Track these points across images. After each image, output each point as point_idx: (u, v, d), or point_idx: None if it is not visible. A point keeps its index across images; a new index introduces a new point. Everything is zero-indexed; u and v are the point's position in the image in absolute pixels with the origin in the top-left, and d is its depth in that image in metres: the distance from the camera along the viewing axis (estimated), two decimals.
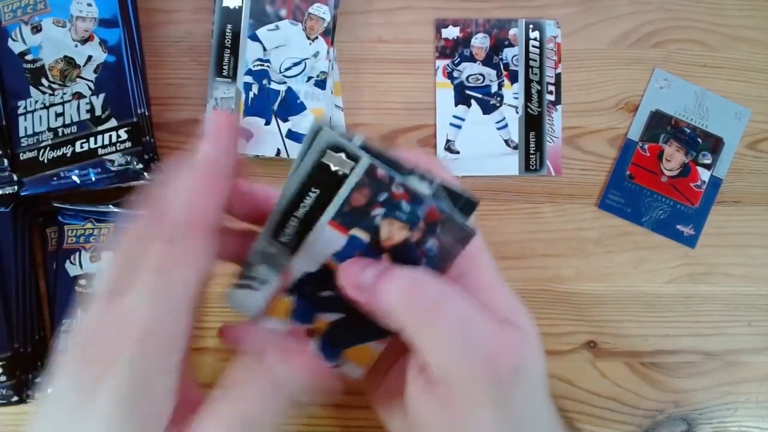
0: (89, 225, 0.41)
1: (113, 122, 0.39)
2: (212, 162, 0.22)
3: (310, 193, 0.21)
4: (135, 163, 0.39)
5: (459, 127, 0.44)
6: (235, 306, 0.24)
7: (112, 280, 0.21)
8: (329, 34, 0.42)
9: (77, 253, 0.41)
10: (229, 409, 0.21)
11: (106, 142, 0.39)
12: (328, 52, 0.41)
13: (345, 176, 0.21)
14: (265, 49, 0.41)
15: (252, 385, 0.22)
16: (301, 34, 0.41)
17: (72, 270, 0.41)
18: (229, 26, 0.41)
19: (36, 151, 0.39)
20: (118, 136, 0.39)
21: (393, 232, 0.22)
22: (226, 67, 0.41)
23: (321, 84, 0.41)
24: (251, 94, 0.41)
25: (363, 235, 0.22)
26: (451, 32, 0.44)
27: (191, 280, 0.21)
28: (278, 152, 0.42)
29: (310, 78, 0.41)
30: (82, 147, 0.39)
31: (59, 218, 0.41)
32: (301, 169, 0.21)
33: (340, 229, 0.22)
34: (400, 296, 0.22)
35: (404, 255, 0.23)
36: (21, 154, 0.39)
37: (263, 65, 0.41)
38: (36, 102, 0.39)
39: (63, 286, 0.40)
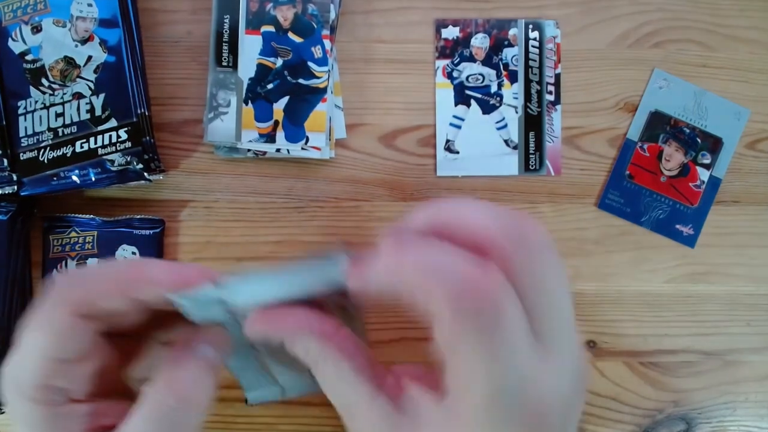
0: (73, 233, 0.41)
1: (113, 122, 0.39)
2: (149, 277, 0.23)
3: None
4: (135, 163, 0.39)
5: (459, 127, 0.44)
6: None
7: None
8: (332, 32, 0.42)
9: (63, 262, 0.41)
10: (154, 396, 0.22)
11: (106, 142, 0.39)
12: (331, 50, 0.41)
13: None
14: None
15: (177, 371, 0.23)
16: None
17: None
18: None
19: (36, 151, 0.39)
20: (118, 136, 0.39)
21: None
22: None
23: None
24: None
25: None
26: (451, 32, 0.44)
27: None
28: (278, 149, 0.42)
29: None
30: (82, 147, 0.39)
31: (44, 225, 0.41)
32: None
33: None
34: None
35: None
36: (21, 154, 0.39)
37: None
38: (36, 102, 0.39)
39: None
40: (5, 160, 0.38)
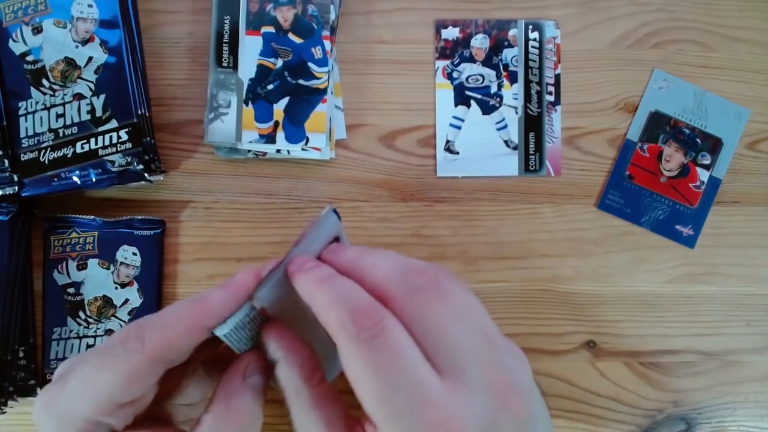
0: (74, 234, 0.41)
1: (114, 123, 0.39)
2: (214, 306, 0.24)
3: None
4: (135, 163, 0.39)
5: (459, 127, 0.44)
6: None
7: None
8: (332, 33, 0.42)
9: (64, 263, 0.41)
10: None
11: (107, 142, 0.39)
12: (331, 50, 0.42)
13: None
14: None
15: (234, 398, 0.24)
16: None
17: (60, 279, 0.41)
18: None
19: (37, 152, 0.39)
20: (119, 137, 0.39)
21: None
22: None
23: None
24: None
25: None
26: (451, 33, 0.44)
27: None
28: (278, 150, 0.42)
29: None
30: (82, 148, 0.39)
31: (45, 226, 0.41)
32: None
33: None
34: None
35: None
36: (22, 155, 0.39)
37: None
38: (37, 103, 0.39)
39: (52, 295, 0.41)
40: (6, 161, 0.38)
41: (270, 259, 0.27)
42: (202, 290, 0.26)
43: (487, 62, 0.45)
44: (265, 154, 0.42)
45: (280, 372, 0.24)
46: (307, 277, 0.24)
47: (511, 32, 0.45)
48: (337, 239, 0.27)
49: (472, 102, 0.44)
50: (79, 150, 0.39)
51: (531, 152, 0.44)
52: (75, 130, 0.39)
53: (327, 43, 0.41)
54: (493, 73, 0.45)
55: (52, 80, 0.39)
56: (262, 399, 0.25)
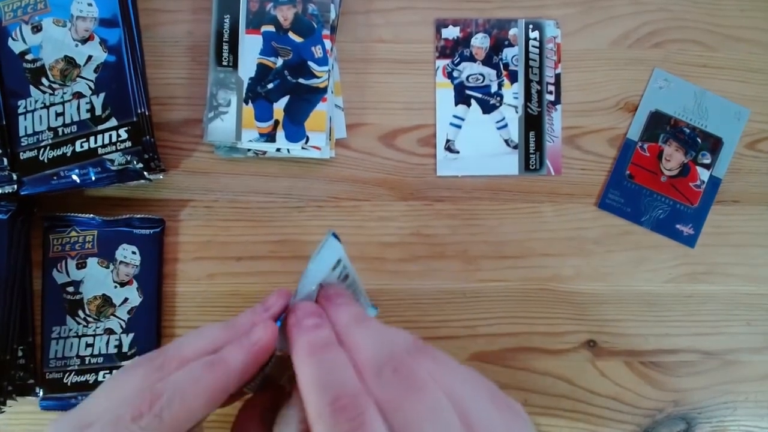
0: (73, 233, 0.41)
1: (113, 122, 0.39)
2: (235, 372, 0.23)
3: None
4: (135, 162, 0.39)
5: (459, 126, 0.44)
6: None
7: (85, 412, 0.23)
8: (333, 32, 0.42)
9: (63, 261, 0.41)
10: None
11: (106, 141, 0.39)
12: (331, 50, 0.41)
13: None
14: None
15: None
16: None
17: (59, 278, 0.41)
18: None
19: (36, 151, 0.39)
20: (118, 136, 0.39)
21: None
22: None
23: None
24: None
25: None
26: (451, 32, 0.44)
27: None
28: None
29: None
30: (82, 146, 0.39)
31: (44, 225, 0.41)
32: None
33: None
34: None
35: None
36: (21, 154, 0.39)
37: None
38: (36, 101, 0.39)
39: (51, 294, 0.41)
40: (5, 160, 0.38)
41: (273, 292, 0.27)
42: (207, 325, 0.25)
43: (487, 61, 0.45)
44: (265, 153, 0.42)
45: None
46: (301, 341, 0.23)
47: (512, 31, 0.45)
48: (339, 261, 0.27)
49: (473, 101, 0.44)
50: (78, 149, 0.39)
51: (531, 151, 0.44)
52: (74, 128, 0.39)
53: (327, 42, 0.41)
54: (493, 72, 0.45)
55: (51, 79, 0.39)
56: None
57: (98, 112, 0.39)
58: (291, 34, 0.41)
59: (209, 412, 0.23)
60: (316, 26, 0.41)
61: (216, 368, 0.23)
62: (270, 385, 0.27)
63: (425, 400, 0.21)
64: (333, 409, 0.20)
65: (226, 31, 0.41)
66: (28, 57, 0.39)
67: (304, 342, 0.23)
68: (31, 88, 0.39)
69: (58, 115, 0.39)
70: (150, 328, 0.41)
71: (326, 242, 0.26)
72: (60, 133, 0.39)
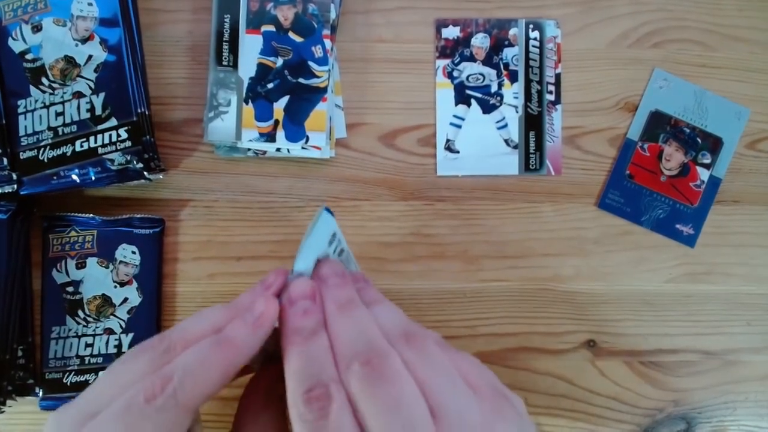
0: (73, 233, 0.41)
1: (113, 121, 0.39)
2: (241, 348, 0.23)
3: None
4: (135, 162, 0.39)
5: (459, 126, 0.44)
6: None
7: (89, 401, 0.22)
8: (333, 32, 0.42)
9: (63, 261, 0.41)
10: None
11: (106, 141, 0.39)
12: (331, 49, 0.41)
13: None
14: None
15: None
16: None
17: (59, 278, 0.41)
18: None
19: (36, 150, 0.39)
20: (118, 135, 0.39)
21: None
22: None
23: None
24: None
25: None
26: (452, 32, 0.44)
27: None
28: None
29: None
30: (82, 146, 0.39)
31: (44, 225, 0.41)
32: None
33: None
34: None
35: None
36: (21, 153, 0.39)
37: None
38: (36, 101, 0.39)
39: (51, 294, 0.41)
40: (5, 159, 0.38)
41: (275, 269, 0.27)
42: (208, 309, 0.25)
43: (487, 61, 0.45)
44: (265, 152, 0.42)
45: None
46: (290, 328, 0.24)
47: (512, 31, 0.45)
48: (334, 235, 0.27)
49: (473, 101, 0.44)
50: (78, 148, 0.39)
51: (531, 151, 0.44)
52: (74, 128, 0.39)
53: (327, 42, 0.41)
54: (493, 72, 0.45)
55: (51, 78, 0.39)
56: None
57: (98, 111, 0.39)
58: (291, 34, 0.41)
59: (220, 389, 0.23)
60: (316, 26, 0.41)
61: (223, 346, 0.23)
62: (272, 359, 0.27)
63: (392, 392, 0.21)
64: (306, 398, 0.21)
65: (226, 30, 0.41)
66: (28, 56, 0.39)
67: (292, 329, 0.23)
68: (31, 87, 0.39)
69: (58, 114, 0.39)
70: (150, 328, 0.41)
71: (320, 217, 0.26)
72: (60, 133, 0.39)
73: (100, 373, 0.40)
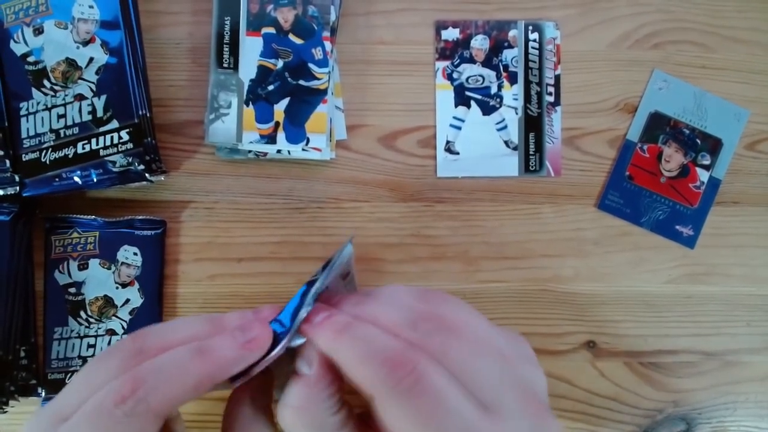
0: (75, 234, 0.41)
1: (115, 123, 0.39)
2: (224, 363, 0.22)
3: None
4: (136, 164, 0.39)
5: (459, 128, 0.44)
6: None
7: (62, 404, 0.21)
8: (333, 34, 0.42)
9: (65, 263, 0.41)
10: None
11: (108, 143, 0.39)
12: (331, 51, 0.42)
13: None
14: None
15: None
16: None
17: (61, 279, 0.41)
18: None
19: (38, 152, 0.39)
20: (120, 138, 0.39)
21: None
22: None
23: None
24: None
25: None
26: (451, 34, 0.45)
27: None
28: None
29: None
30: (83, 148, 0.39)
31: (46, 225, 0.41)
32: None
33: None
34: (359, 352, 0.21)
35: None
36: (23, 155, 0.39)
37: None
38: (38, 103, 0.39)
39: (53, 295, 0.41)
40: (7, 161, 0.39)
41: (273, 305, 0.26)
42: (195, 318, 0.24)
43: (487, 63, 0.45)
44: (265, 154, 0.42)
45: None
46: (324, 333, 0.22)
47: (511, 33, 0.45)
48: (349, 273, 0.27)
49: (472, 103, 0.45)
50: (80, 150, 0.39)
51: (531, 153, 0.44)
52: (76, 130, 0.39)
53: (327, 44, 0.42)
54: (493, 73, 0.45)
55: (53, 81, 0.39)
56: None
57: (100, 113, 0.39)
58: (291, 36, 0.42)
59: (190, 400, 0.22)
60: (316, 28, 0.42)
61: (205, 356, 0.22)
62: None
63: (467, 336, 0.21)
64: (390, 369, 0.20)
65: (226, 32, 0.41)
66: (30, 59, 0.39)
67: (326, 332, 0.22)
68: (33, 90, 0.39)
69: (59, 116, 0.39)
70: None
71: (344, 250, 0.26)
72: (62, 135, 0.39)
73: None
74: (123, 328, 0.41)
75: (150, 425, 0.20)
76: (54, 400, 0.22)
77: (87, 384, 0.22)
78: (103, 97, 0.39)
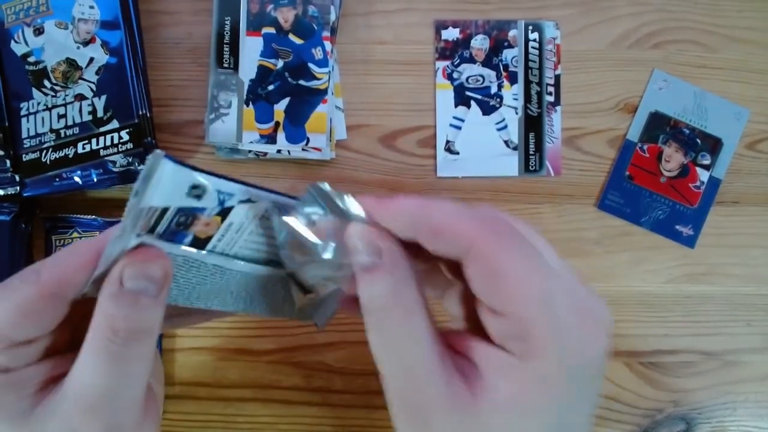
0: (75, 234, 0.41)
1: (115, 123, 0.39)
2: (108, 236, 0.22)
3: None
4: (137, 164, 0.39)
5: (459, 128, 0.44)
6: None
7: None
8: (333, 34, 0.42)
9: None
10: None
11: (108, 143, 0.39)
12: (331, 51, 0.42)
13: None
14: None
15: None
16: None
17: None
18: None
19: (38, 153, 0.39)
20: (120, 138, 0.39)
21: None
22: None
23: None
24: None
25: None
26: (451, 33, 0.45)
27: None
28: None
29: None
30: (84, 148, 0.39)
31: (46, 226, 0.41)
32: None
33: None
34: (474, 220, 0.20)
35: None
36: (24, 155, 0.39)
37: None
38: (38, 103, 0.39)
39: None
40: (8, 161, 0.39)
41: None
42: None
43: (487, 63, 0.45)
44: (265, 154, 0.42)
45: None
46: (404, 201, 0.21)
47: (511, 33, 0.45)
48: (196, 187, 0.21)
49: (473, 102, 0.45)
50: (80, 150, 0.39)
51: (531, 152, 0.44)
52: (76, 130, 0.39)
53: (327, 44, 0.42)
54: (493, 73, 0.45)
55: (53, 81, 0.39)
56: (161, 304, 0.21)
57: (100, 114, 0.39)
58: (291, 36, 0.42)
59: (80, 277, 0.21)
60: (316, 28, 0.42)
61: (97, 238, 0.22)
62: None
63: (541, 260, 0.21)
64: (488, 222, 0.21)
65: (226, 32, 0.41)
66: (31, 59, 0.39)
67: (408, 201, 0.21)
68: (34, 90, 0.39)
69: (60, 117, 0.39)
70: None
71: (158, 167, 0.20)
72: (62, 135, 0.39)
73: None
74: None
75: (40, 300, 0.21)
76: None
77: None
78: (104, 97, 0.39)
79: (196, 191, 0.21)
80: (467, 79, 0.45)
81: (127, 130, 0.39)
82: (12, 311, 0.20)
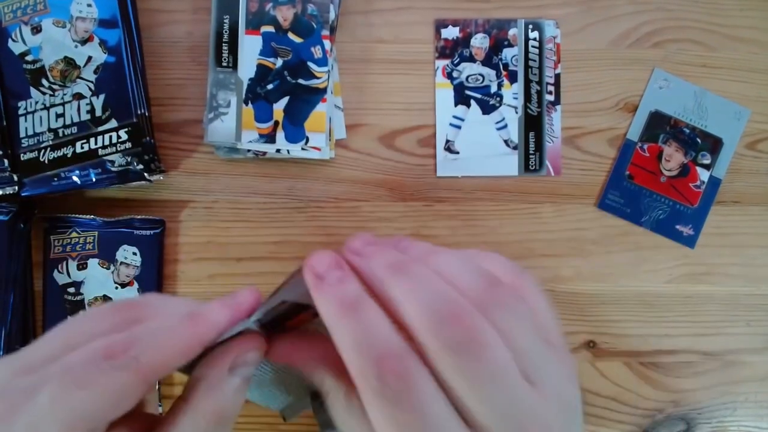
0: (74, 234, 0.41)
1: (113, 123, 0.39)
2: (214, 326, 0.22)
3: None
4: (135, 163, 0.39)
5: (459, 127, 0.44)
6: None
7: (30, 355, 0.20)
8: (332, 32, 0.42)
9: (64, 262, 0.41)
10: (202, 401, 0.21)
11: (107, 142, 0.39)
12: (331, 50, 0.41)
13: None
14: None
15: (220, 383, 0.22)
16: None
17: (60, 279, 0.41)
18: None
19: (37, 152, 0.39)
20: (119, 137, 0.39)
21: None
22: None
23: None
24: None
25: None
26: (451, 32, 0.44)
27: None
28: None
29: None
30: (82, 147, 0.39)
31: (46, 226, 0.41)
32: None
33: None
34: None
35: None
36: (22, 155, 0.39)
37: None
38: (36, 103, 0.39)
39: (52, 295, 0.41)
40: (6, 161, 0.38)
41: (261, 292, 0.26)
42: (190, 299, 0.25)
43: (487, 62, 0.45)
44: (264, 153, 0.42)
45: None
46: (329, 298, 0.21)
47: (511, 32, 0.45)
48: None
49: (472, 101, 0.44)
50: (78, 150, 0.39)
51: (531, 152, 0.44)
52: (75, 129, 0.39)
53: (327, 43, 0.41)
54: (493, 72, 0.45)
55: (51, 80, 0.39)
56: (245, 391, 0.23)
57: (98, 113, 0.39)
58: (290, 35, 0.41)
59: (180, 364, 0.21)
60: (315, 27, 0.41)
61: (195, 320, 0.21)
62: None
63: (488, 366, 0.19)
64: (379, 371, 0.19)
65: (225, 31, 0.41)
66: (28, 58, 0.39)
67: (332, 301, 0.20)
68: (32, 89, 0.39)
69: (58, 116, 0.39)
70: None
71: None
72: (60, 135, 0.39)
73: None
74: None
75: (136, 385, 0.19)
76: (19, 352, 0.20)
77: (62, 340, 0.21)
78: (102, 96, 0.39)
79: None
80: (467, 78, 0.44)
81: (126, 129, 0.39)
82: (109, 398, 0.19)
